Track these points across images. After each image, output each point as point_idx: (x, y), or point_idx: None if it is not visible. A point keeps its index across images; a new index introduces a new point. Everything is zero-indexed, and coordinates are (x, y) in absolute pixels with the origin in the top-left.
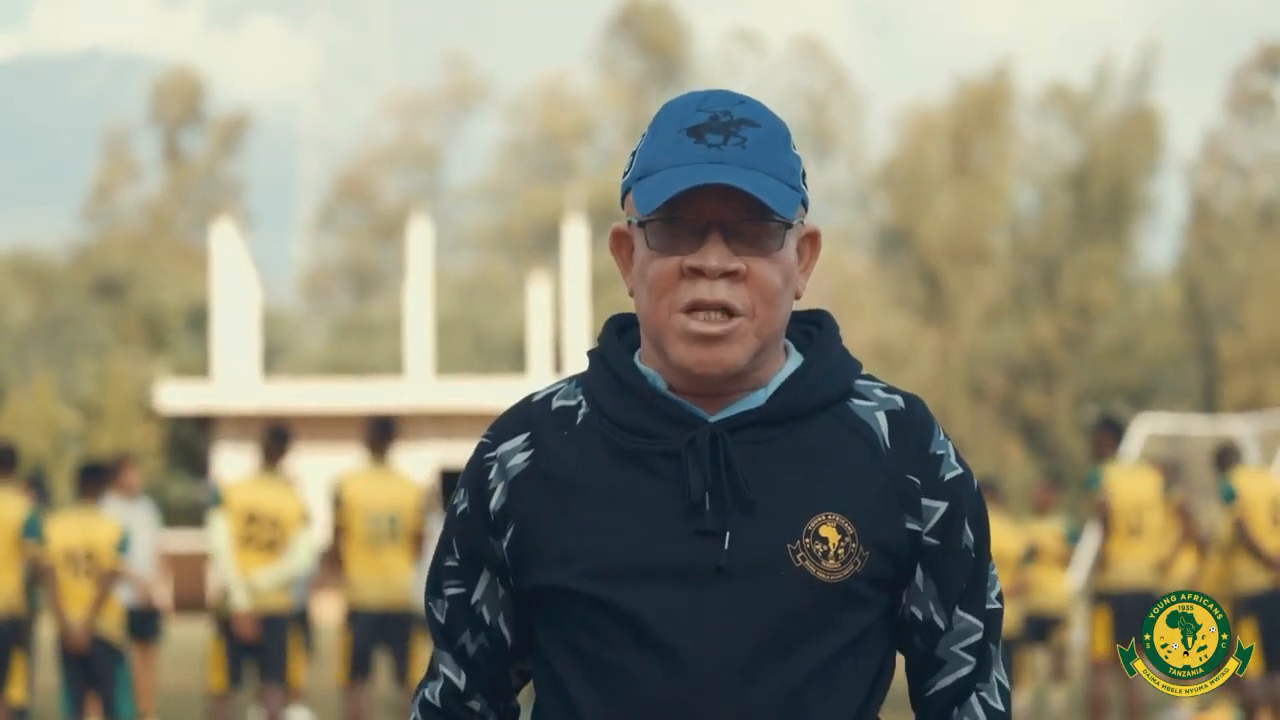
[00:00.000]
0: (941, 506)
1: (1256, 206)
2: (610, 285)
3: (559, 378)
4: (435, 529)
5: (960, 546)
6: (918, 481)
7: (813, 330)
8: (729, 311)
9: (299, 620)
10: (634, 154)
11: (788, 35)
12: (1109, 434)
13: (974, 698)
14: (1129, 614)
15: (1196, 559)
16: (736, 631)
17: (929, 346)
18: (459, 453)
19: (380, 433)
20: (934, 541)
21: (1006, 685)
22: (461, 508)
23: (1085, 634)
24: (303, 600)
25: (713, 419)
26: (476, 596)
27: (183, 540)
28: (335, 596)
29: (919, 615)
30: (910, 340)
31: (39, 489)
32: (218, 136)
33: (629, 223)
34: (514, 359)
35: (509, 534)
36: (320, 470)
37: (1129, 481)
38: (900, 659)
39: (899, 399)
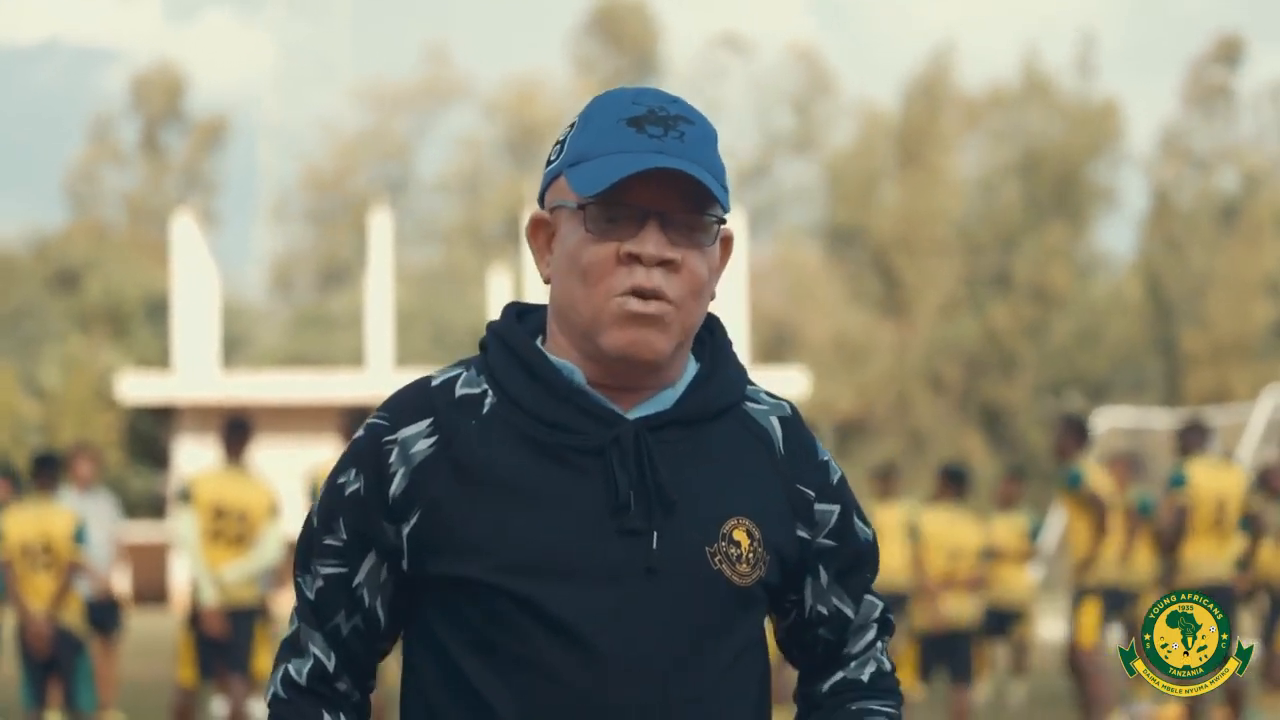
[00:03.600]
0: (835, 509)
1: (1216, 200)
2: None
3: None
4: None
5: (861, 542)
6: (811, 492)
7: (704, 334)
8: (662, 299)
9: (265, 613)
10: (561, 142)
11: (772, 38)
12: (1073, 433)
13: (876, 648)
14: (1112, 605)
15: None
16: (657, 631)
17: (887, 340)
18: None
19: (355, 425)
20: (832, 543)
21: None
22: (352, 488)
23: (1051, 627)
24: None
25: (628, 415)
26: (359, 579)
27: (143, 531)
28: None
29: (824, 611)
30: (868, 334)
31: (14, 481)
32: (198, 135)
33: (553, 209)
34: (473, 350)
35: (413, 520)
36: (281, 462)
37: (1101, 477)
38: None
39: (786, 405)
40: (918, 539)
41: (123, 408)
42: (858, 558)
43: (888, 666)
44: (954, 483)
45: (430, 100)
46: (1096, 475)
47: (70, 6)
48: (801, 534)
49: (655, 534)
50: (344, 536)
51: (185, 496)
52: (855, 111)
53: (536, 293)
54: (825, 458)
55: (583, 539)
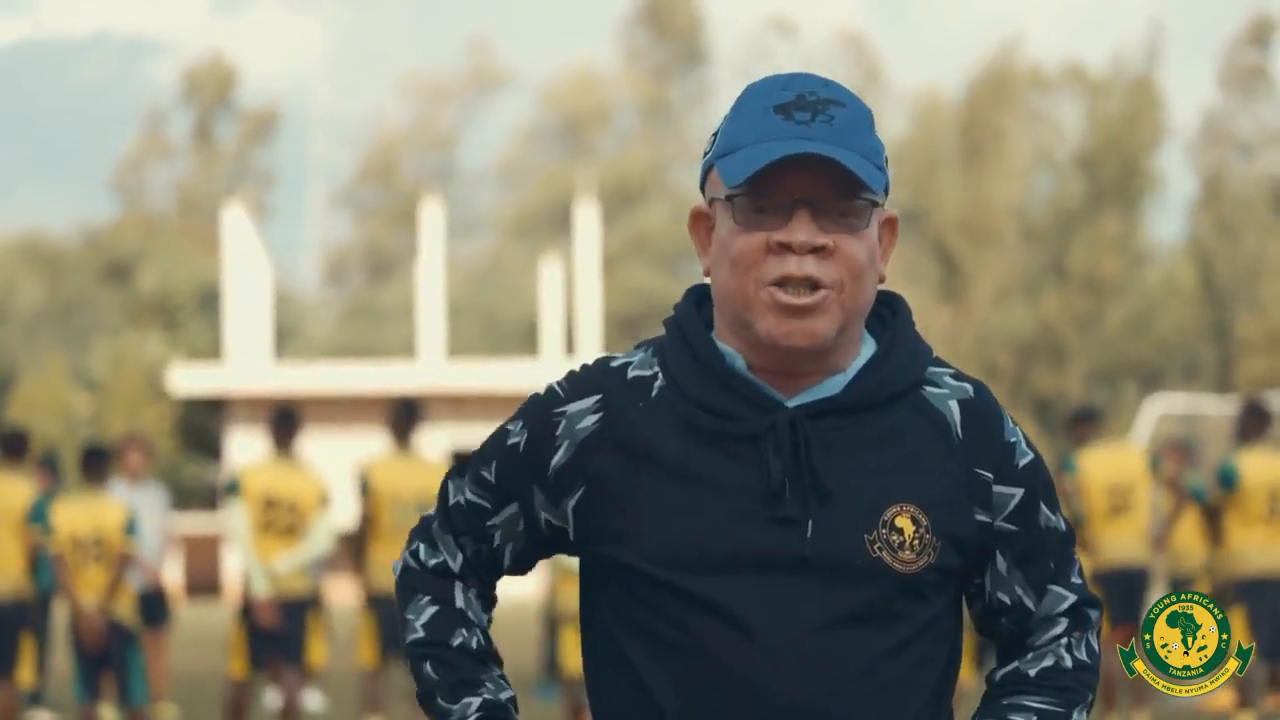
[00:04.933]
0: (1018, 493)
1: (1266, 184)
2: (622, 265)
3: (571, 359)
4: None
5: (1043, 529)
6: (990, 474)
7: (885, 314)
8: (816, 285)
9: (318, 603)
10: (715, 134)
11: (819, 23)
12: (1084, 424)
13: (1062, 643)
14: (1119, 591)
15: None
16: (812, 618)
17: (941, 325)
18: (471, 434)
19: (404, 417)
20: (1012, 528)
21: (1096, 649)
22: (514, 440)
23: None
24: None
25: (790, 403)
26: (496, 521)
27: (195, 523)
28: (354, 582)
29: (1006, 600)
30: (922, 319)
31: (52, 469)
32: (248, 126)
33: (710, 201)
34: (525, 341)
35: (578, 495)
36: (332, 453)
37: (1106, 462)
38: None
39: (969, 387)
40: None
41: (174, 399)
42: (1039, 545)
43: (1068, 662)
44: None
45: (481, 91)
46: (1097, 461)
47: None
48: (982, 518)
49: (810, 522)
50: (493, 479)
51: (234, 488)
52: (908, 97)
53: (587, 283)
54: (1013, 440)
55: (737, 528)
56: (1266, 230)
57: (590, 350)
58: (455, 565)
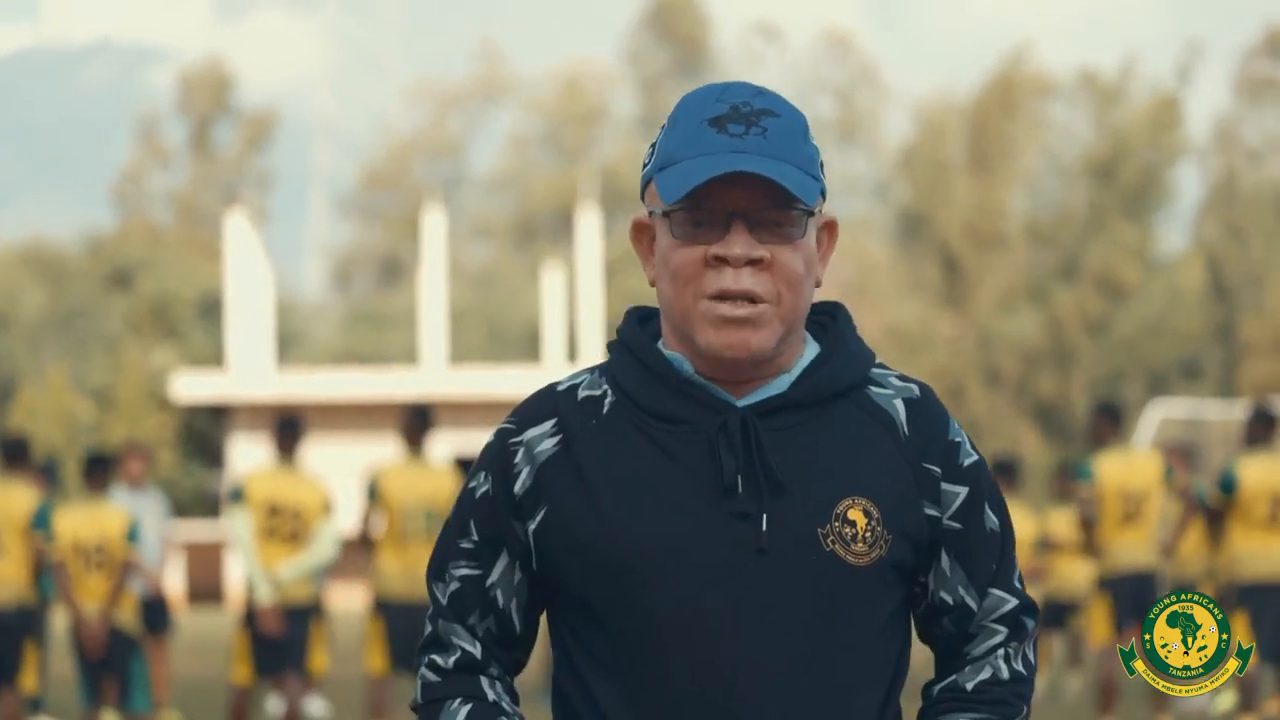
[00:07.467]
0: (962, 492)
1: (1274, 189)
2: (623, 271)
3: (573, 365)
4: None
5: (986, 530)
6: (937, 469)
7: (827, 321)
8: (754, 299)
9: (320, 610)
10: (653, 146)
11: (808, 26)
12: (1106, 420)
13: (999, 653)
14: (1129, 595)
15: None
16: (772, 614)
17: (945, 331)
18: (473, 441)
19: (417, 422)
20: (957, 526)
21: (1033, 660)
22: (482, 490)
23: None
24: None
25: (740, 403)
26: (492, 579)
27: (198, 530)
28: (360, 587)
29: (949, 600)
30: (926, 325)
31: (50, 477)
32: (247, 132)
33: (650, 213)
34: (528, 347)
35: (538, 517)
36: (335, 459)
37: (1122, 468)
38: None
39: (914, 387)
40: None
41: (177, 407)
42: (982, 546)
43: (1006, 674)
44: (1003, 475)
45: (483, 98)
46: (1114, 466)
47: (121, 6)
48: (931, 512)
49: (765, 516)
50: (475, 539)
51: (238, 495)
52: (910, 101)
53: (589, 288)
54: (958, 440)
55: (694, 526)
56: (1273, 235)
57: (592, 356)
58: (477, 653)
